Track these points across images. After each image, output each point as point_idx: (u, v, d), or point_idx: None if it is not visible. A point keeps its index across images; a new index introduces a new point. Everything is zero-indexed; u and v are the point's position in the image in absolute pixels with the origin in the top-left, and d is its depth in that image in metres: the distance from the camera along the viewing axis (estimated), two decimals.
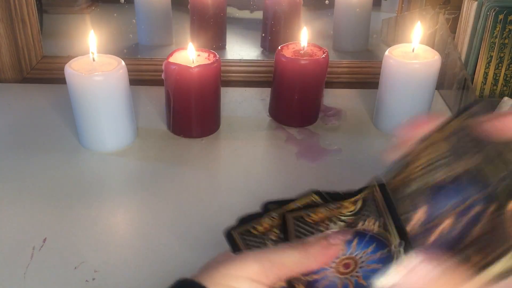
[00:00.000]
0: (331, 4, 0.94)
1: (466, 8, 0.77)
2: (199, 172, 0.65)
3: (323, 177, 0.64)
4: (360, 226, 0.35)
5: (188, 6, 0.90)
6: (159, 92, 0.76)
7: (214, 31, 0.92)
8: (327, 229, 0.35)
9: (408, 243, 0.32)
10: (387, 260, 0.32)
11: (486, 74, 0.75)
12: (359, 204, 0.36)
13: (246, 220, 0.37)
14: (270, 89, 0.76)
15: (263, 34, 0.94)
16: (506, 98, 0.70)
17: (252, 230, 0.37)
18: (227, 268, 0.31)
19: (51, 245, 0.52)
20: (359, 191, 0.36)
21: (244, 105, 0.80)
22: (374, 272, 0.32)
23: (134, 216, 0.57)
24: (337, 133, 0.73)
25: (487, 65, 0.74)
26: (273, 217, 0.36)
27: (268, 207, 0.37)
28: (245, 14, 1.00)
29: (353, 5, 0.92)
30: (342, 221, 0.35)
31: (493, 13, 0.71)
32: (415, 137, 0.33)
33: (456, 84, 0.78)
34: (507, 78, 0.75)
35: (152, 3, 0.92)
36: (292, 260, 0.32)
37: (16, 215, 0.56)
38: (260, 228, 0.37)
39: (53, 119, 0.74)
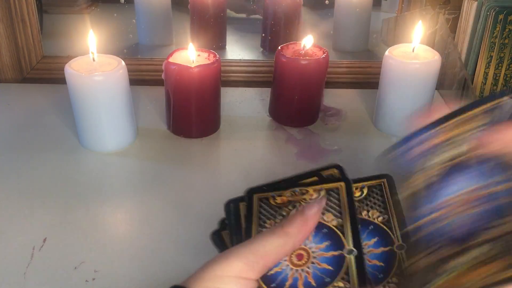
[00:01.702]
0: (331, 4, 0.94)
1: (466, 8, 0.77)
2: (199, 172, 0.65)
3: None
4: (323, 217, 0.35)
5: (188, 6, 0.90)
6: (159, 92, 0.76)
7: (214, 31, 0.92)
8: (289, 213, 0.35)
9: (360, 254, 0.32)
10: (338, 263, 0.32)
11: (486, 74, 0.75)
12: (322, 193, 0.36)
13: (270, 187, 0.37)
14: (270, 89, 0.76)
15: (263, 34, 0.94)
16: (506, 98, 0.70)
17: (271, 200, 0.37)
18: (213, 269, 0.31)
19: (51, 245, 0.52)
20: (324, 180, 0.37)
21: (244, 105, 0.80)
22: (325, 273, 0.32)
23: (134, 216, 0.57)
24: (337, 133, 0.73)
25: (487, 65, 0.74)
26: (294, 192, 0.36)
27: (293, 180, 0.37)
28: (245, 14, 1.00)
29: (353, 5, 0.92)
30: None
31: (493, 13, 0.71)
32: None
33: (456, 84, 0.78)
34: (507, 78, 0.75)
35: (152, 3, 0.92)
36: (275, 246, 0.32)
37: (16, 215, 0.56)
38: (278, 199, 0.37)
39: (53, 119, 0.74)
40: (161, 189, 0.61)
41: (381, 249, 0.33)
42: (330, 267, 0.32)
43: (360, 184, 0.37)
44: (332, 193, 0.36)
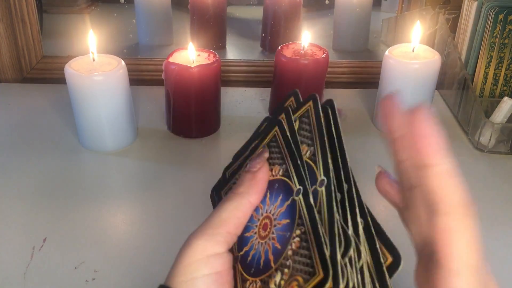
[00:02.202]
0: (331, 4, 0.94)
1: (466, 8, 0.77)
2: (199, 172, 0.65)
3: None
4: (271, 173, 0.33)
5: (188, 6, 0.90)
6: (159, 92, 0.76)
7: (214, 31, 0.92)
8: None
9: (306, 190, 0.29)
10: (292, 212, 0.30)
11: (486, 74, 0.75)
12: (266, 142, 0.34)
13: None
14: (270, 89, 0.76)
15: (263, 34, 0.94)
16: (506, 98, 0.70)
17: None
18: (181, 262, 0.30)
19: (51, 245, 0.52)
20: (262, 135, 0.35)
21: (244, 105, 0.80)
22: (285, 229, 0.30)
23: (134, 216, 0.57)
24: None
25: (487, 65, 0.74)
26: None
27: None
28: (245, 14, 1.00)
29: (353, 5, 0.92)
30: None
31: (493, 13, 0.71)
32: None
33: (456, 84, 0.78)
34: (507, 78, 0.75)
35: (152, 3, 0.92)
36: (230, 210, 0.31)
37: (16, 215, 0.56)
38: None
39: (53, 119, 0.74)
40: (161, 189, 0.61)
41: (286, 204, 0.31)
42: (287, 220, 0.30)
43: (260, 147, 0.35)
44: (272, 144, 0.34)
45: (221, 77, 0.70)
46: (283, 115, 0.34)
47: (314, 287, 0.26)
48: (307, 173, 0.30)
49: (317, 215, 0.28)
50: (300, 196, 0.30)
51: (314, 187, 0.30)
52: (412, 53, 0.70)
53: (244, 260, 0.32)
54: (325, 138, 0.30)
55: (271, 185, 0.33)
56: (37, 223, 0.55)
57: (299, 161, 0.31)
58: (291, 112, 0.34)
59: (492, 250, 0.54)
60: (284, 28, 0.91)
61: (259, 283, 0.30)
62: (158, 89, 0.77)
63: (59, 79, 0.73)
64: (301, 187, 0.30)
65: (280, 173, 0.32)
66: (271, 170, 0.33)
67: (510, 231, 0.57)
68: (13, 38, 0.83)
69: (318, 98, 0.32)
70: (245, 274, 0.31)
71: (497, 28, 0.71)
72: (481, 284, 0.26)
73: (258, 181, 0.32)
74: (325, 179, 0.29)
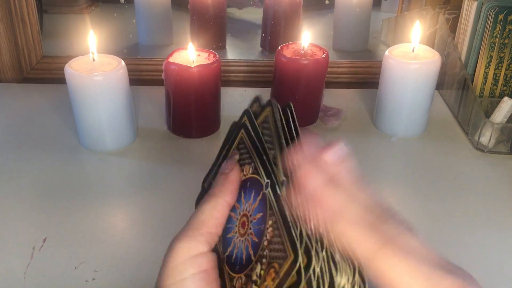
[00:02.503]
0: (331, 4, 0.94)
1: (466, 8, 0.77)
2: (199, 172, 0.64)
3: None
4: (242, 176, 0.34)
5: (188, 6, 0.90)
6: (159, 92, 0.76)
7: (214, 31, 0.92)
8: None
9: (273, 182, 0.31)
10: (263, 205, 0.31)
11: (486, 74, 0.75)
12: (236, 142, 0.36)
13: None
14: (270, 89, 0.76)
15: (263, 34, 0.94)
16: (506, 98, 0.70)
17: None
18: (167, 264, 0.31)
19: (51, 245, 0.52)
20: (231, 140, 0.37)
21: (244, 105, 0.79)
22: (260, 222, 0.31)
23: (134, 216, 0.57)
24: (337, 133, 0.73)
25: (487, 65, 0.74)
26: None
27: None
28: (245, 14, 1.00)
29: (353, 5, 0.92)
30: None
31: (493, 13, 0.71)
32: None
33: (456, 84, 0.78)
34: (507, 78, 0.75)
35: (152, 3, 0.92)
36: (208, 211, 0.33)
37: (16, 215, 0.56)
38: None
39: (53, 119, 0.74)
40: (161, 189, 0.61)
41: (258, 199, 0.32)
42: (261, 214, 0.32)
43: (230, 152, 0.37)
44: (240, 146, 0.36)
45: (221, 77, 0.70)
46: (245, 118, 0.36)
47: (288, 270, 0.27)
48: (273, 167, 0.31)
49: (284, 203, 0.30)
50: (269, 189, 0.31)
51: (262, 192, 0.32)
52: (412, 53, 0.70)
53: (229, 260, 0.33)
54: (283, 141, 0.32)
55: (244, 184, 0.34)
56: (37, 223, 0.55)
57: (264, 157, 0.32)
58: (251, 113, 0.36)
59: (492, 250, 0.54)
60: (284, 28, 0.91)
61: (243, 278, 0.31)
62: (158, 89, 0.77)
63: (59, 79, 0.73)
64: (268, 181, 0.31)
65: (250, 171, 0.34)
66: (243, 170, 0.35)
67: (510, 231, 0.57)
68: (13, 38, 0.83)
69: (276, 104, 0.34)
70: (231, 273, 0.33)
71: (497, 28, 0.71)
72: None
73: (230, 182, 0.34)
74: (268, 180, 0.31)
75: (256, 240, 0.31)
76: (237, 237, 0.33)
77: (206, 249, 0.31)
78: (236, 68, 0.87)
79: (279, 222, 0.29)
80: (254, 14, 0.98)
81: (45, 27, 0.90)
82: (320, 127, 0.75)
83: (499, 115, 0.70)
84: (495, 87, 0.76)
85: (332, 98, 0.82)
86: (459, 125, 0.76)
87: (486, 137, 0.69)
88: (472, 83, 0.76)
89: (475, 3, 0.74)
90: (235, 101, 0.80)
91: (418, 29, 0.70)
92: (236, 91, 0.84)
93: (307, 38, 0.72)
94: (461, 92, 0.76)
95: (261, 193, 0.32)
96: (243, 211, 0.33)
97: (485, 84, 0.76)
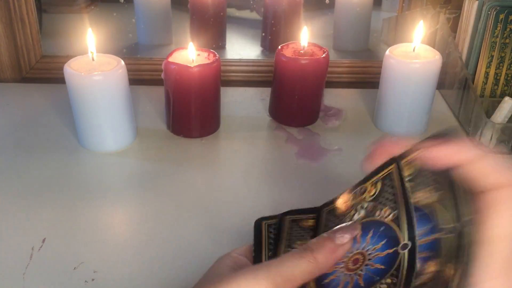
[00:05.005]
0: (331, 4, 0.94)
1: (467, 8, 0.77)
2: (199, 172, 0.64)
3: (323, 177, 0.64)
4: (377, 215, 0.32)
5: (188, 6, 0.90)
6: (159, 92, 0.76)
7: (214, 31, 0.92)
8: (352, 219, 0.33)
9: (414, 246, 0.29)
10: (391, 261, 0.30)
11: (487, 74, 0.75)
12: (378, 186, 0.33)
13: (327, 204, 0.36)
14: (270, 89, 0.76)
15: (263, 34, 0.94)
16: (507, 98, 0.70)
17: (303, 222, 0.36)
18: (238, 284, 0.30)
19: (50, 245, 0.52)
20: (379, 169, 0.33)
21: (244, 105, 0.79)
22: (376, 273, 0.30)
23: (134, 216, 0.57)
24: (337, 133, 0.73)
25: (488, 65, 0.74)
26: (355, 194, 0.35)
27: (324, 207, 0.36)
28: (245, 14, 1.00)
29: (354, 4, 0.92)
30: (364, 208, 0.33)
31: (494, 13, 0.71)
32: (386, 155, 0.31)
33: (457, 84, 0.77)
34: (508, 78, 0.75)
35: (152, 2, 0.92)
36: (302, 271, 0.31)
37: (15, 215, 0.56)
38: (310, 222, 0.36)
39: (52, 119, 0.74)
40: (161, 189, 0.61)
41: (387, 251, 0.31)
42: (382, 267, 0.30)
43: (374, 179, 0.34)
44: (386, 181, 0.33)
45: (221, 77, 0.69)
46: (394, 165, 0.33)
47: None
48: (415, 231, 0.29)
49: (413, 279, 0.28)
50: (406, 251, 0.29)
51: (395, 248, 0.30)
52: (413, 53, 0.70)
53: (320, 279, 0.32)
54: (410, 202, 0.30)
55: (376, 224, 0.32)
56: (36, 223, 0.55)
57: (412, 215, 0.30)
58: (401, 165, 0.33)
59: None
60: (284, 27, 0.91)
61: None
62: (158, 89, 0.77)
63: (59, 79, 0.72)
64: (409, 243, 0.29)
65: (390, 218, 0.31)
66: (381, 210, 0.32)
67: None
68: (12, 37, 0.82)
69: (400, 163, 0.32)
70: None
71: (498, 28, 0.71)
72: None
73: (336, 257, 0.32)
74: (409, 243, 0.29)
75: (362, 284, 0.30)
76: (343, 267, 0.32)
77: None
78: (236, 67, 0.87)
79: None
80: (254, 14, 0.98)
81: (44, 26, 0.90)
82: (320, 127, 0.74)
83: (500, 115, 0.69)
84: (496, 87, 0.76)
85: (332, 97, 0.81)
86: (460, 125, 0.76)
87: (487, 137, 0.68)
88: (473, 83, 0.76)
89: (476, 3, 0.74)
90: (235, 101, 0.80)
91: (421, 29, 0.70)
92: (236, 91, 0.83)
93: (306, 35, 0.72)
94: (462, 92, 0.76)
95: (394, 249, 0.30)
96: (362, 249, 0.32)
97: (486, 84, 0.76)
